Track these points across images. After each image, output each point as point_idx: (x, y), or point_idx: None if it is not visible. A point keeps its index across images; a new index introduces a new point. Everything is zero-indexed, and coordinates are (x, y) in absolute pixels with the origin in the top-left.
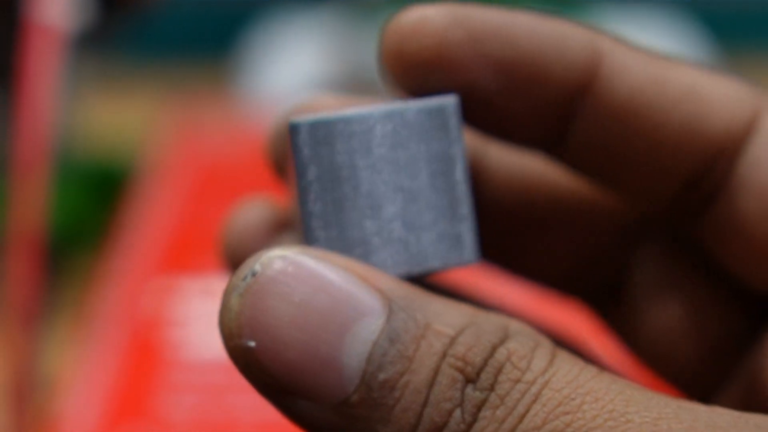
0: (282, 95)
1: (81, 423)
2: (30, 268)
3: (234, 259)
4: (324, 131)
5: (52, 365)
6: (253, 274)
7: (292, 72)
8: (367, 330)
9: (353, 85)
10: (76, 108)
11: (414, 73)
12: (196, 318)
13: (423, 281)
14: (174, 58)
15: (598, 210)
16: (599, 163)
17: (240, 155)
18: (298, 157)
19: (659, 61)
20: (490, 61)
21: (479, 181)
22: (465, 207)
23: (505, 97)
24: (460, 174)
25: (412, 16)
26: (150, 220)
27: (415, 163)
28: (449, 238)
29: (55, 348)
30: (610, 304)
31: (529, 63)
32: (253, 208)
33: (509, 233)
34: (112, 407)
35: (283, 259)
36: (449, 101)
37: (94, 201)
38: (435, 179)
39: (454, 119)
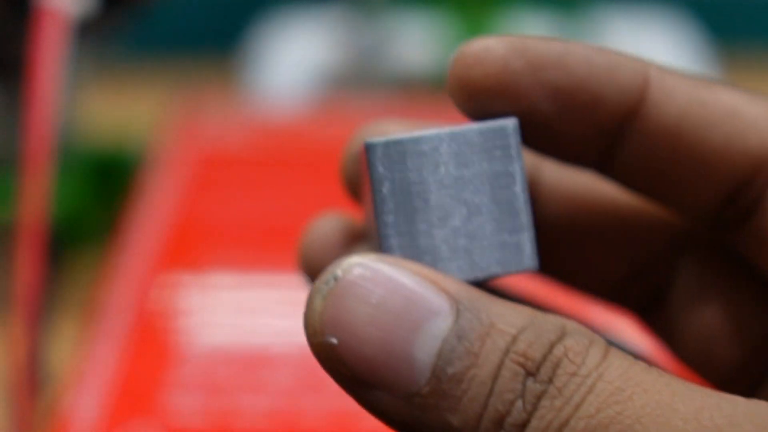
0: (287, 89)
1: (87, 417)
2: (35, 262)
3: (311, 267)
4: (396, 150)
5: (58, 360)
6: (335, 279)
7: (297, 66)
8: (437, 328)
9: (357, 80)
10: (80, 100)
11: (477, 98)
12: (202, 311)
13: (486, 286)
14: (179, 52)
15: (646, 222)
16: (647, 180)
17: (245, 148)
18: (374, 174)
19: (702, 84)
20: (547, 88)
21: (535, 196)
22: (525, 218)
23: (561, 121)
24: (519, 189)
25: (476, 47)
26: (155, 214)
27: (478, 179)
28: (510, 246)
29: (60, 342)
30: (654, 310)
31: (584, 89)
32: (329, 221)
33: (562, 245)
34: (118, 401)
35: (361, 265)
36: (510, 122)
37: (98, 194)
38: (496, 194)
39: (514, 139)
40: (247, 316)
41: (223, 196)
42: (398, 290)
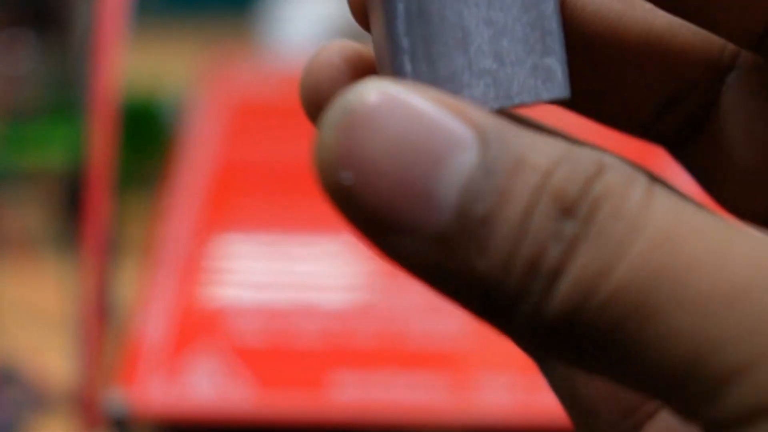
0: (305, 42)
1: (155, 339)
2: (103, 203)
3: (314, 100)
4: None
5: (121, 292)
6: (348, 108)
7: (314, 20)
8: (461, 162)
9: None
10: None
11: None
12: (251, 250)
13: (513, 115)
14: (200, 9)
15: (683, 45)
16: None
17: (274, 98)
18: None
19: None
20: None
21: (565, 14)
22: (556, 41)
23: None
24: (550, 7)
25: None
26: (197, 160)
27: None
28: (540, 71)
29: (122, 276)
30: (690, 144)
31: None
32: (335, 48)
33: (592, 71)
34: (183, 326)
35: (377, 92)
36: None
37: (133, 143)
38: (525, 12)
39: None
40: (297, 248)
41: (258, 143)
42: (418, 119)
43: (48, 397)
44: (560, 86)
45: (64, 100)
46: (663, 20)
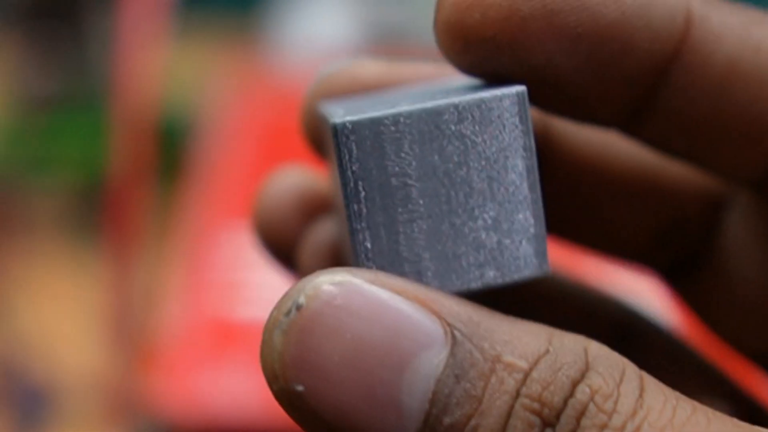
0: (312, 49)
1: (180, 344)
2: (131, 201)
3: (267, 238)
4: (370, 131)
5: (145, 285)
6: (298, 307)
7: (324, 27)
8: (428, 364)
9: (381, 41)
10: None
11: (474, 50)
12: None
13: (488, 296)
14: (204, 13)
15: (675, 181)
16: (682, 140)
17: (288, 100)
18: (342, 164)
19: (755, 20)
20: (565, 36)
21: (545, 152)
22: (533, 210)
23: (581, 76)
24: (529, 175)
25: None
26: (214, 163)
27: (477, 164)
28: (514, 247)
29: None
30: (685, 275)
31: (611, 36)
32: (287, 179)
33: (580, 206)
34: (209, 333)
35: (330, 288)
36: (517, 91)
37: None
38: (499, 183)
39: (522, 111)
40: None
41: (284, 153)
42: (378, 318)
43: (66, 392)
44: (534, 264)
45: (85, 91)
46: (653, 154)
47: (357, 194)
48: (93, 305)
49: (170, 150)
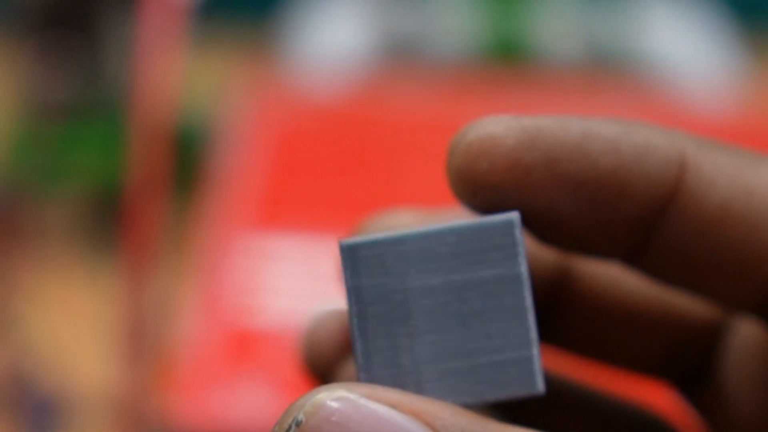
0: (328, 59)
1: (199, 354)
2: (146, 213)
3: (316, 369)
4: (375, 252)
5: (160, 300)
6: (297, 424)
7: (340, 38)
8: None
9: (396, 50)
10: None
11: (483, 195)
12: (286, 262)
13: (486, 408)
14: (226, 21)
15: (682, 304)
16: (681, 273)
17: (307, 113)
18: (347, 281)
19: (747, 164)
20: (567, 183)
21: (562, 277)
22: (529, 331)
23: (583, 217)
24: (522, 298)
25: (481, 134)
26: (232, 176)
27: (474, 286)
28: (511, 365)
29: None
30: (697, 386)
31: (609, 183)
32: (330, 317)
33: (589, 330)
34: (228, 341)
35: (329, 404)
36: (511, 217)
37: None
38: (495, 303)
39: (517, 237)
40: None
41: (303, 165)
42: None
43: (79, 405)
44: (533, 382)
45: (101, 100)
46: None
47: (359, 310)
48: (107, 317)
49: (187, 160)
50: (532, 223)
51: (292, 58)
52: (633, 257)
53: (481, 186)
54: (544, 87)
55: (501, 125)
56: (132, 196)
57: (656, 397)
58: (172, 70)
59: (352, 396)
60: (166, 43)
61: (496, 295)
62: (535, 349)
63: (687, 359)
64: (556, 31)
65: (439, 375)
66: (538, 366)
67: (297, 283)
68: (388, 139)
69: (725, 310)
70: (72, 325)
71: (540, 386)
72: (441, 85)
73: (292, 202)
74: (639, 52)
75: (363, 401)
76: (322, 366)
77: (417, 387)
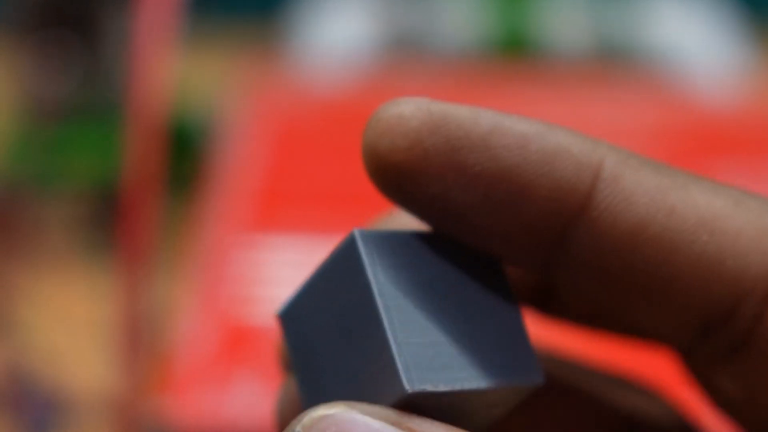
0: (331, 56)
1: (195, 353)
2: (142, 214)
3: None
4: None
5: (156, 304)
6: None
7: (343, 32)
8: None
9: (400, 45)
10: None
11: (387, 174)
12: (286, 266)
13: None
14: (228, 17)
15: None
16: (594, 295)
17: (315, 112)
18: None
19: (673, 182)
20: (464, 173)
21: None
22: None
23: (481, 214)
24: (377, 309)
25: (390, 113)
26: (236, 175)
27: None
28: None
29: (156, 290)
30: (729, 356)
31: (510, 180)
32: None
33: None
34: (223, 339)
35: (327, 418)
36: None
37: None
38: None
39: (359, 253)
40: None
41: (302, 157)
42: None
43: (76, 406)
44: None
45: (99, 100)
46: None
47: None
48: (104, 317)
49: (185, 158)
50: (431, 214)
51: (295, 53)
52: (546, 272)
53: (382, 165)
54: (551, 81)
55: (410, 106)
56: (129, 196)
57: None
58: (170, 68)
59: (351, 412)
60: (164, 41)
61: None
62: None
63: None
64: (563, 25)
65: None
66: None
67: (296, 283)
68: None
69: (637, 338)
70: (69, 325)
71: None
72: (447, 80)
73: (291, 200)
74: (647, 46)
75: (359, 416)
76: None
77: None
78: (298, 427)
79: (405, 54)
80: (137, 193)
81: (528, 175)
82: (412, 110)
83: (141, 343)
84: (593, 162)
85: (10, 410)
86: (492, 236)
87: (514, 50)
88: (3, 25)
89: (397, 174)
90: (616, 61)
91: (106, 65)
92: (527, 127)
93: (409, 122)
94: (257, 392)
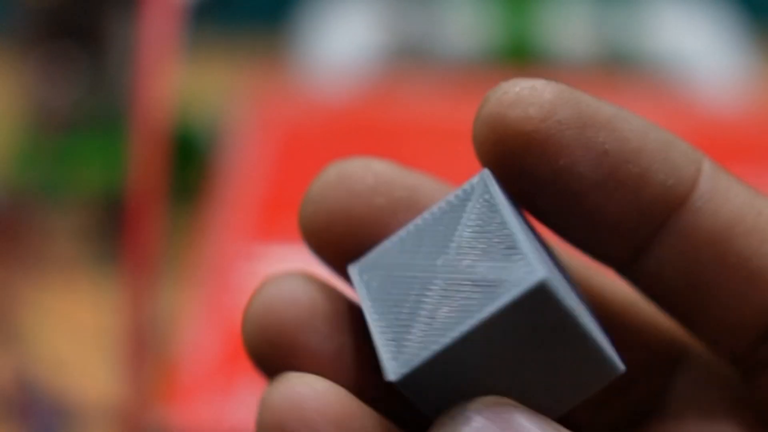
0: (337, 65)
1: (199, 361)
2: (147, 223)
3: (266, 351)
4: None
5: (161, 314)
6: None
7: (348, 42)
8: None
9: (406, 53)
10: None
11: (515, 145)
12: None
13: None
14: (233, 27)
15: (648, 325)
16: (674, 290)
17: (320, 120)
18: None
19: (757, 193)
20: (594, 149)
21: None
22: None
23: (600, 194)
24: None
25: (520, 84)
26: (242, 185)
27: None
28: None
29: (161, 300)
30: (643, 422)
31: (634, 161)
32: (291, 282)
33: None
34: (228, 347)
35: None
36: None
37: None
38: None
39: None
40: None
41: (306, 166)
42: None
43: (82, 414)
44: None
45: (105, 110)
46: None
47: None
48: (110, 327)
49: (190, 168)
50: (545, 192)
51: (299, 61)
52: (628, 263)
53: (510, 133)
54: None
55: (541, 81)
56: (134, 205)
57: None
58: (174, 78)
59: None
60: (169, 50)
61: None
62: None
63: (634, 393)
64: (567, 32)
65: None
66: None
67: None
68: (398, 144)
69: (709, 342)
70: (74, 334)
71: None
72: (452, 88)
73: (296, 210)
74: (651, 52)
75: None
76: (281, 338)
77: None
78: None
79: (410, 62)
80: (142, 202)
81: (648, 156)
82: (544, 84)
83: (146, 351)
84: (698, 156)
85: (16, 418)
86: (601, 218)
87: (518, 57)
88: (8, 36)
89: (526, 144)
90: (620, 68)
91: (112, 75)
92: (642, 120)
93: (542, 94)
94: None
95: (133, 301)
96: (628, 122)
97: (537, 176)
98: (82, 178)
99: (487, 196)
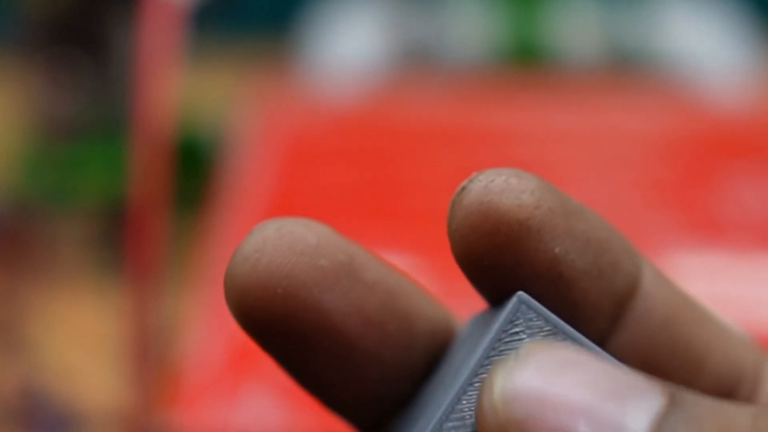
0: (342, 71)
1: (204, 366)
2: (151, 230)
3: (253, 299)
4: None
5: (166, 321)
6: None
7: (354, 46)
8: (648, 404)
9: (413, 56)
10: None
11: (508, 234)
12: None
13: None
14: (237, 32)
15: None
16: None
17: (326, 127)
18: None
19: (688, 299)
20: (579, 238)
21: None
22: None
23: (587, 280)
24: None
25: (503, 172)
26: (246, 193)
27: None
28: None
29: (166, 306)
30: None
31: (608, 249)
32: (290, 227)
33: None
34: (233, 352)
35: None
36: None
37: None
38: None
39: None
40: None
41: (313, 173)
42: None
43: (88, 420)
44: None
45: (108, 117)
46: None
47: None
48: (115, 334)
49: (194, 176)
50: (541, 279)
51: (305, 66)
52: (601, 345)
53: (505, 224)
54: (563, 90)
55: (516, 169)
56: (138, 212)
57: None
58: (178, 84)
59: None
60: (172, 57)
61: None
62: None
63: None
64: (574, 33)
65: None
66: None
67: None
68: (405, 148)
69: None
70: (80, 341)
71: None
72: (459, 91)
73: (303, 215)
74: (658, 52)
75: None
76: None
77: None
78: (514, 354)
79: (416, 66)
80: (146, 209)
81: (617, 247)
82: (522, 172)
83: (150, 357)
84: (638, 254)
85: (23, 425)
86: (585, 305)
87: (525, 59)
88: (12, 44)
89: (525, 232)
90: (627, 69)
91: (115, 83)
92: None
93: (529, 182)
94: (265, 405)
95: (137, 307)
96: (592, 213)
97: (535, 264)
98: (86, 186)
99: (540, 322)
